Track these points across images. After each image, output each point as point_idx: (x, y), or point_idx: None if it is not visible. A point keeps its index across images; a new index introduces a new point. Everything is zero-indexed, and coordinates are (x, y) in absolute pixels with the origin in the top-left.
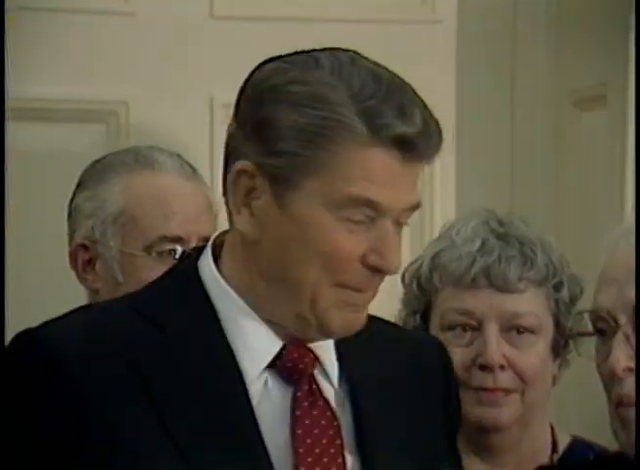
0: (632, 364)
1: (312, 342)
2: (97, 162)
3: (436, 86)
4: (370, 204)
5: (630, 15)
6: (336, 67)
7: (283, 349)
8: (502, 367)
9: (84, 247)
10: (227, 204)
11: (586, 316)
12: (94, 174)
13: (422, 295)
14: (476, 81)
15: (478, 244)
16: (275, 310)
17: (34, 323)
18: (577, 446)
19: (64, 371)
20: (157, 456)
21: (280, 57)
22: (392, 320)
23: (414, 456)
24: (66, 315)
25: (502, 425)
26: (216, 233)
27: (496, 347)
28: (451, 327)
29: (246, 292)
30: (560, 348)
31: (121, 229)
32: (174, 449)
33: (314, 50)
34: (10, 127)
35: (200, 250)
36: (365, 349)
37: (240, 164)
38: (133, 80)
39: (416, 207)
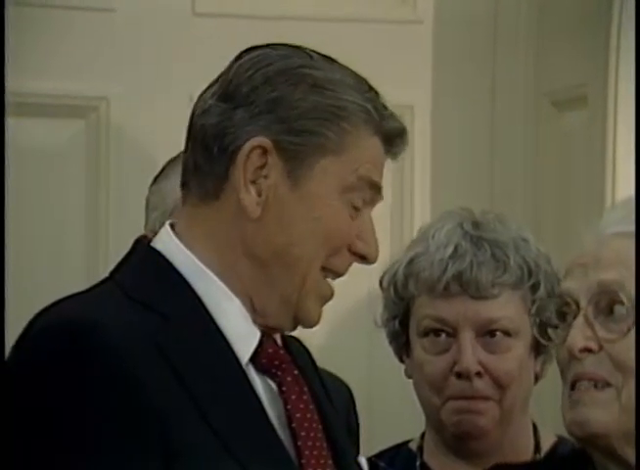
0: (590, 345)
1: (277, 332)
2: (173, 157)
3: (416, 86)
4: (374, 187)
5: (612, 13)
6: (327, 59)
7: (261, 340)
8: (479, 374)
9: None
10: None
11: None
12: (165, 168)
13: (400, 301)
14: (455, 81)
15: (450, 250)
16: (257, 293)
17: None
18: (563, 445)
19: (124, 360)
20: (207, 454)
21: (263, 46)
22: (373, 324)
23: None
24: (62, 302)
25: (481, 432)
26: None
27: (472, 354)
28: (427, 334)
29: (224, 273)
30: (541, 345)
31: None
32: (219, 446)
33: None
34: None
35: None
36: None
37: (256, 141)
38: (114, 76)
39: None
